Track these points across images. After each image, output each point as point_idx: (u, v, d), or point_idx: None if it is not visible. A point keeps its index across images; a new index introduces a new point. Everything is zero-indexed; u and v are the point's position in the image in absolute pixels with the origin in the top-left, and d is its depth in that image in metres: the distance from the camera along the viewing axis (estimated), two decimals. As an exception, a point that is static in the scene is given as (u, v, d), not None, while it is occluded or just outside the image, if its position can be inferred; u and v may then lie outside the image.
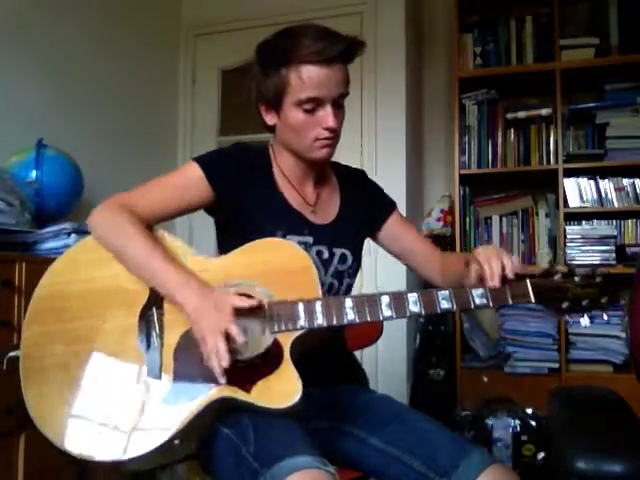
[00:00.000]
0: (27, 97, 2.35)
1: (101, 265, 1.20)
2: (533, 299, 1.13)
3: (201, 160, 1.28)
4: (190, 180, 1.26)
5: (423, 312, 1.13)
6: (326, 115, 1.24)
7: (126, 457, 1.07)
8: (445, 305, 1.13)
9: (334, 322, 1.13)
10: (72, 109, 2.57)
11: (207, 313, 1.09)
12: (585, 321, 1.14)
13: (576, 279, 1.14)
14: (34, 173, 2.01)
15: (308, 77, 1.21)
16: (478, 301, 1.13)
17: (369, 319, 1.13)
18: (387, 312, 1.13)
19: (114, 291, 1.18)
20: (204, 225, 2.85)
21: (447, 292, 1.14)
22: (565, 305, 1.13)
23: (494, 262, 1.14)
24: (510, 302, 1.13)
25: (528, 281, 1.14)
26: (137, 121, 2.98)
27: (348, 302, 1.14)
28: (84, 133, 2.61)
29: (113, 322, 1.16)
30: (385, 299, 1.13)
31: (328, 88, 1.23)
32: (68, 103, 2.55)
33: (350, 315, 1.13)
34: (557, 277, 1.14)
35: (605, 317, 1.14)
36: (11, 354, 1.20)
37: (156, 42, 3.17)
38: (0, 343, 1.51)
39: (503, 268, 1.13)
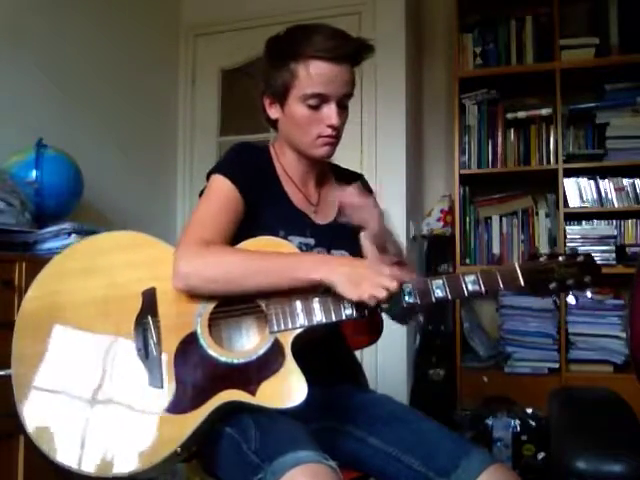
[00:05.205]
0: (27, 97, 2.35)
1: (89, 275, 1.16)
2: (522, 282, 1.16)
3: (223, 170, 1.25)
4: (228, 195, 1.23)
5: (419, 302, 1.13)
6: (330, 113, 1.25)
7: (130, 471, 1.04)
8: (439, 294, 1.14)
9: (333, 318, 1.13)
10: (72, 109, 2.57)
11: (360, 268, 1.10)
12: (571, 299, 1.19)
13: (560, 259, 1.18)
14: (34, 173, 2.01)
15: (316, 72, 1.22)
16: (471, 287, 1.15)
17: (366, 313, 1.13)
18: (384, 305, 1.12)
19: (105, 301, 1.14)
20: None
21: (440, 281, 1.15)
22: (552, 286, 1.17)
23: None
24: (501, 287, 1.16)
25: (517, 265, 1.17)
26: (137, 121, 2.98)
27: None
28: (84, 133, 2.61)
29: (107, 333, 1.12)
30: None
31: (335, 86, 1.24)
32: (68, 103, 2.55)
33: (348, 310, 1.13)
34: (543, 259, 1.18)
35: (589, 294, 1.19)
36: (1, 373, 1.17)
37: (156, 42, 3.17)
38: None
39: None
